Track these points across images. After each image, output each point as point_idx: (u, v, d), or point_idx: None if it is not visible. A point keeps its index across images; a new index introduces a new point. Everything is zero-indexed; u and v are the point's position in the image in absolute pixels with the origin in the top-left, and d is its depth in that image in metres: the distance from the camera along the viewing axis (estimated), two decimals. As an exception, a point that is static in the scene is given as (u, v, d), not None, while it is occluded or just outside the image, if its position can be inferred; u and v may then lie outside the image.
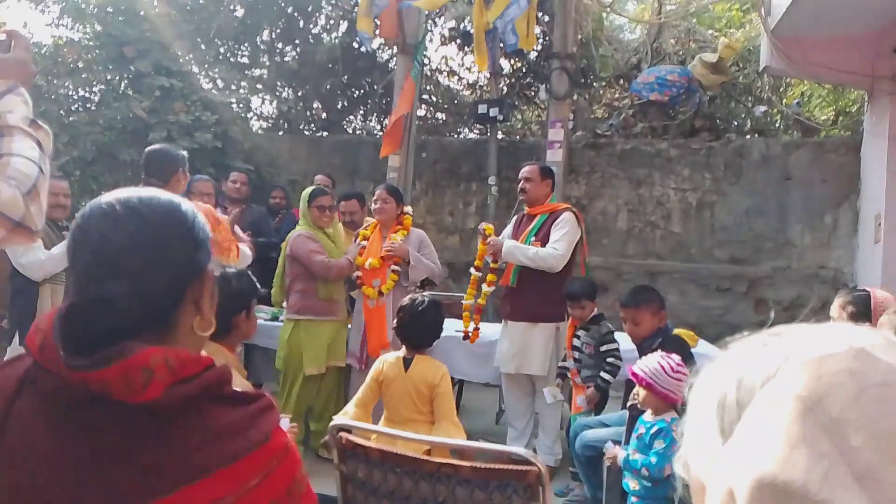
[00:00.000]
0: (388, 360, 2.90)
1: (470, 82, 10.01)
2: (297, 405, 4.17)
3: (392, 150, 6.93)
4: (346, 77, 9.31)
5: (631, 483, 2.62)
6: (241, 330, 2.24)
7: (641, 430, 2.64)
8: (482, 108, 7.21)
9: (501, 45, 7.06)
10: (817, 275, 6.66)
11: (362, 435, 2.16)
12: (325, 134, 9.41)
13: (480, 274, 4.23)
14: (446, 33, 9.38)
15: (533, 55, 8.96)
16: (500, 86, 8.39)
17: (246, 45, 9.50)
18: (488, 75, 8.08)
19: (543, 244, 3.98)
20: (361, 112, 10.17)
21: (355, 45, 9.13)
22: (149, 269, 0.92)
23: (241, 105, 8.58)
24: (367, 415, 2.81)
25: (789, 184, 6.87)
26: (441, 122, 9.95)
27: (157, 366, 0.85)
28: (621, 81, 9.09)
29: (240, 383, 1.96)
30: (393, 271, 4.16)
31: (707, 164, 7.09)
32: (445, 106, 9.97)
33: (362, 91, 9.79)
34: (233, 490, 0.86)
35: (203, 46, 8.61)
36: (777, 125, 8.43)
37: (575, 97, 7.96)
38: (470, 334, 4.17)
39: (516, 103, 9.22)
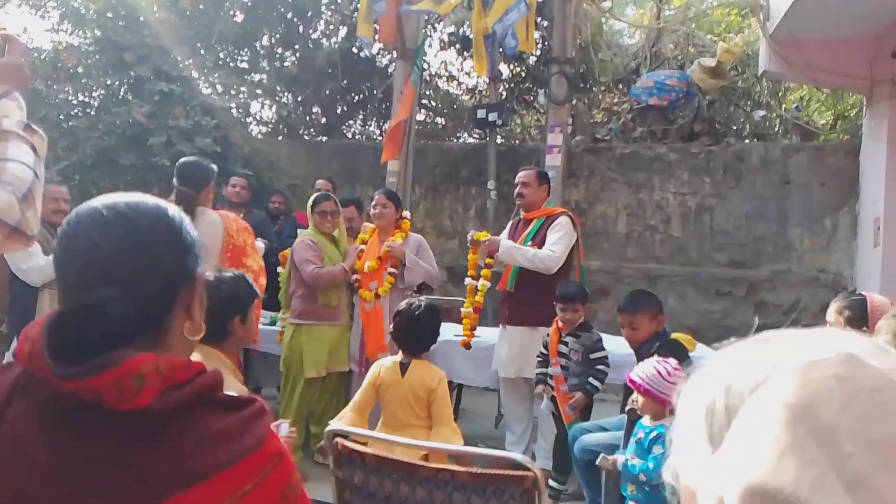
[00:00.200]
0: (385, 364, 2.89)
1: (469, 87, 10.02)
2: (298, 409, 4.17)
3: (393, 155, 6.94)
4: (345, 82, 9.32)
5: (629, 488, 2.62)
6: (237, 335, 2.22)
7: (640, 435, 2.63)
8: (481, 113, 7.22)
9: (501, 49, 7.08)
10: (817, 278, 6.66)
11: (359, 440, 2.15)
12: (324, 139, 9.42)
13: (476, 283, 4.22)
14: (445, 38, 9.39)
15: (532, 60, 8.97)
16: (500, 90, 8.40)
17: (245, 50, 9.51)
18: (487, 80, 8.08)
19: (540, 248, 3.98)
20: (361, 117, 10.18)
21: (355, 49, 9.14)
22: (139, 274, 0.92)
23: (240, 110, 8.59)
24: (363, 420, 2.80)
25: (788, 188, 6.87)
26: (440, 126, 9.96)
27: (149, 372, 0.85)
28: (620, 86, 9.10)
29: (236, 388, 1.96)
30: (390, 273, 4.17)
31: (706, 169, 7.09)
32: (445, 111, 9.98)
33: (362, 96, 9.80)
34: (227, 495, 0.86)
35: (203, 51, 8.63)
36: (776, 129, 8.44)
37: (574, 102, 7.97)
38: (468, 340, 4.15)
39: (515, 108, 9.23)
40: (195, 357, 1.03)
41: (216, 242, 3.54)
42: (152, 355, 0.87)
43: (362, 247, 4.32)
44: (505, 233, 4.37)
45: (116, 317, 0.89)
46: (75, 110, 7.33)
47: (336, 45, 9.12)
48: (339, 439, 2.04)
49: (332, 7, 9.31)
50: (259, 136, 9.44)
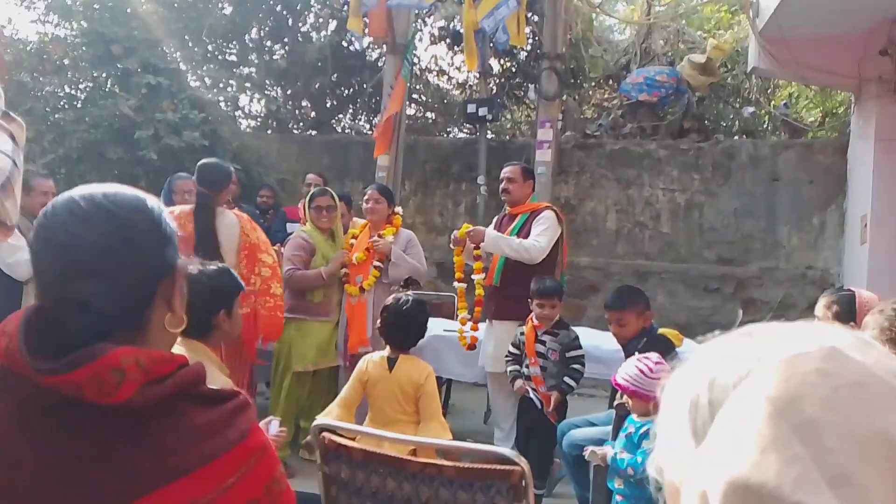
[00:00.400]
0: (373, 359, 2.89)
1: (459, 82, 10.02)
2: (286, 403, 4.17)
3: (383, 149, 6.92)
4: (335, 76, 9.29)
5: (616, 482, 2.63)
6: (223, 329, 2.20)
7: (630, 430, 2.64)
8: (472, 108, 7.21)
9: (492, 44, 7.06)
10: (805, 275, 6.70)
11: (346, 435, 2.14)
12: (314, 133, 9.38)
13: (465, 284, 4.17)
14: (436, 33, 9.37)
15: (522, 55, 8.97)
16: (490, 86, 8.40)
17: (234, 43, 9.45)
18: (478, 75, 8.09)
19: None
20: (351, 111, 10.15)
21: (344, 43, 9.11)
22: (119, 266, 0.90)
23: (229, 104, 8.54)
24: (349, 415, 2.79)
25: (777, 185, 6.91)
26: (430, 121, 9.95)
27: (129, 366, 0.84)
28: (611, 82, 9.12)
29: (221, 381, 1.94)
30: (375, 267, 4.16)
31: (696, 165, 7.12)
32: (435, 105, 9.96)
33: (351, 90, 9.77)
34: (210, 490, 0.85)
35: (191, 44, 8.57)
36: (765, 126, 8.48)
37: (564, 97, 7.98)
38: (468, 340, 4.10)
39: (506, 103, 9.23)
40: (180, 351, 1.01)
41: (234, 241, 3.68)
42: (132, 349, 0.86)
43: (346, 252, 4.29)
44: (490, 227, 4.37)
45: (96, 310, 0.87)
46: (62, 103, 7.26)
47: (326, 39, 9.07)
48: (326, 434, 2.04)
49: (322, 1, 9.27)
50: (248, 130, 9.39)
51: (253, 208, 6.00)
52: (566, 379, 3.58)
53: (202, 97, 7.16)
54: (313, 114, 9.82)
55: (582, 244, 7.34)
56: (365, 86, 9.38)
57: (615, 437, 2.78)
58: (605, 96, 9.27)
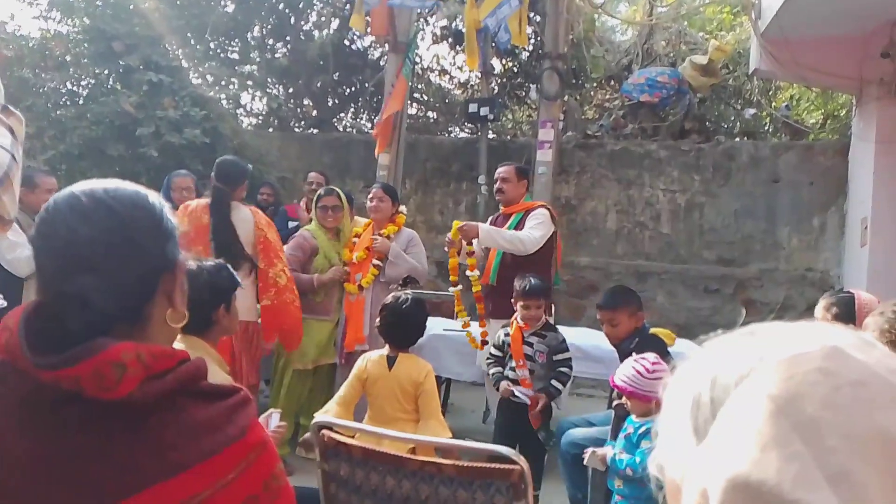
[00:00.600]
0: (372, 358, 2.88)
1: (461, 81, 10.02)
2: (286, 401, 4.17)
3: (384, 147, 6.92)
4: (337, 74, 9.29)
5: (616, 482, 2.63)
6: (222, 324, 2.21)
7: (630, 430, 2.64)
8: (473, 108, 7.22)
9: (493, 44, 7.06)
10: (804, 277, 6.70)
11: (345, 433, 2.15)
12: (315, 131, 9.38)
13: (461, 287, 4.13)
14: (438, 32, 9.38)
15: (524, 55, 8.97)
16: (492, 85, 8.41)
17: (236, 41, 9.45)
18: (479, 75, 8.09)
19: None
20: (352, 110, 10.15)
21: (346, 42, 9.11)
22: (119, 261, 0.90)
23: (230, 101, 8.53)
24: (348, 413, 2.79)
25: (777, 186, 6.91)
26: (432, 120, 9.95)
27: (130, 361, 0.84)
28: (612, 82, 9.12)
29: (220, 378, 1.94)
30: (374, 266, 4.17)
31: (696, 166, 7.12)
32: (436, 105, 9.96)
33: (353, 89, 9.77)
34: (210, 485, 0.86)
35: (193, 42, 8.57)
36: (766, 128, 8.48)
37: (566, 98, 7.98)
38: (478, 340, 4.04)
39: (507, 103, 9.24)
40: (179, 347, 1.01)
41: (249, 235, 3.81)
42: (133, 344, 0.86)
43: (345, 271, 4.27)
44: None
45: (96, 305, 0.87)
46: (63, 99, 7.25)
47: (328, 38, 9.07)
48: (325, 432, 2.04)
49: (324, -1, 9.28)
50: (249, 128, 9.38)
51: (253, 206, 5.99)
52: (553, 382, 3.46)
53: (203, 94, 7.15)
54: (315, 112, 9.82)
55: (582, 244, 7.34)
56: (366, 84, 9.38)
57: (614, 436, 2.78)
58: (607, 97, 9.27)
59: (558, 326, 4.62)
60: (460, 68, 9.77)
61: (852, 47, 5.53)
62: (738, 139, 7.92)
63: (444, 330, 4.40)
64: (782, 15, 5.18)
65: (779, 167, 6.92)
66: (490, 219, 4.41)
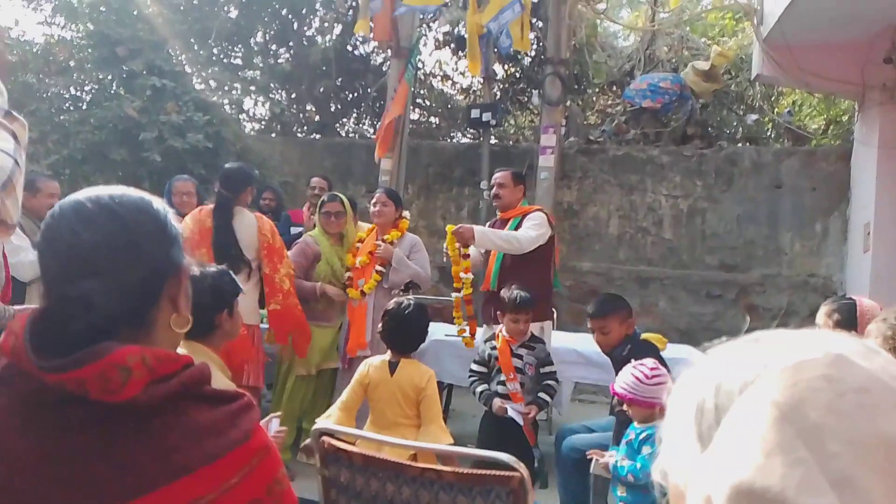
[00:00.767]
0: (374, 363, 2.89)
1: (463, 87, 10.04)
2: (289, 406, 4.18)
3: (384, 152, 6.93)
4: (339, 80, 9.31)
5: (619, 489, 2.62)
6: (224, 329, 2.22)
7: (631, 437, 2.64)
8: (475, 113, 7.22)
9: (496, 49, 7.07)
10: (807, 282, 6.70)
11: (346, 439, 2.14)
12: (317, 136, 9.40)
13: (460, 294, 4.08)
14: (440, 37, 9.40)
15: (526, 61, 8.99)
16: (494, 90, 8.41)
17: (239, 46, 9.48)
18: (482, 80, 8.10)
19: None
20: (354, 115, 10.17)
21: (349, 47, 9.13)
22: (124, 266, 0.91)
23: (233, 106, 8.55)
24: (350, 418, 2.79)
25: (780, 192, 6.90)
26: (434, 126, 9.96)
27: (135, 364, 0.85)
28: (614, 88, 9.13)
29: (223, 383, 1.94)
30: (377, 271, 4.17)
31: (698, 172, 7.12)
32: (439, 110, 9.98)
33: (356, 94, 9.79)
34: (213, 489, 0.86)
35: (196, 47, 8.59)
36: (768, 133, 8.48)
37: (568, 103, 7.99)
38: (465, 336, 4.03)
39: (509, 108, 9.25)
40: (181, 352, 1.02)
41: (252, 239, 3.86)
42: (138, 347, 0.87)
43: (349, 300, 4.26)
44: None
45: (101, 309, 0.88)
46: (67, 104, 7.27)
47: (330, 43, 9.10)
48: (325, 438, 2.04)
49: (327, 5, 9.30)
50: (252, 132, 9.40)
51: (255, 210, 6.01)
52: (541, 395, 3.41)
53: (206, 99, 7.18)
54: (317, 117, 9.83)
55: (584, 249, 7.34)
56: (369, 90, 9.40)
57: (617, 442, 2.77)
58: (609, 102, 9.28)
59: (561, 332, 4.62)
60: (463, 73, 9.80)
61: (854, 53, 5.53)
62: (740, 145, 7.91)
63: (446, 335, 4.40)
64: (784, 20, 5.19)
65: (781, 173, 6.92)
66: (488, 224, 4.41)
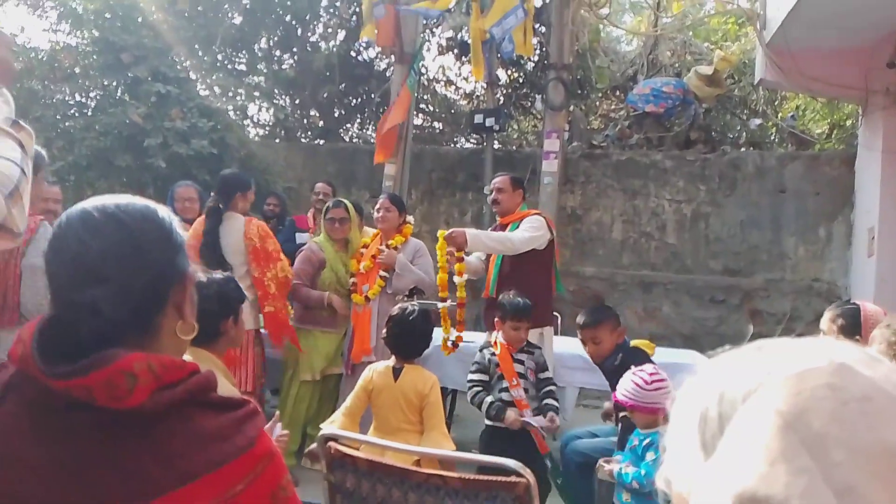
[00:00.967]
0: (378, 369, 2.89)
1: (467, 92, 10.06)
2: (294, 411, 4.18)
3: (384, 157, 6.94)
4: (343, 85, 9.33)
5: (624, 495, 2.62)
6: (229, 335, 2.23)
7: (635, 442, 2.63)
8: (478, 118, 7.24)
9: (499, 55, 7.08)
10: (811, 287, 6.68)
11: (351, 444, 2.15)
12: (321, 142, 9.42)
13: (450, 301, 3.98)
14: (444, 43, 9.43)
15: (529, 66, 9.00)
16: (497, 96, 8.42)
17: (244, 52, 9.51)
18: (485, 85, 8.11)
19: None
20: (358, 120, 10.19)
21: (353, 53, 9.16)
22: (130, 273, 0.92)
23: (238, 112, 8.58)
24: (354, 424, 2.79)
25: (783, 196, 6.89)
26: (437, 131, 9.98)
27: (141, 371, 0.85)
28: (617, 93, 9.14)
29: (227, 390, 1.95)
30: (381, 277, 4.17)
31: (702, 176, 7.12)
32: (442, 115, 10.00)
33: (359, 99, 9.81)
34: (218, 495, 0.86)
35: (201, 53, 8.62)
36: (772, 138, 8.48)
37: (571, 108, 7.99)
38: (450, 344, 3.90)
39: (512, 113, 9.26)
40: (187, 359, 1.02)
41: (237, 244, 3.89)
42: (144, 354, 0.87)
43: (353, 318, 4.25)
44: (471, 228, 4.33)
45: (106, 316, 0.89)
46: (72, 111, 7.30)
47: (334, 49, 9.13)
48: (331, 443, 2.04)
49: (331, 11, 9.33)
50: (256, 138, 9.43)
51: (259, 216, 6.02)
52: (550, 401, 3.30)
53: (211, 105, 7.19)
54: (321, 122, 9.86)
55: (587, 254, 7.33)
56: (372, 95, 9.42)
57: (621, 447, 2.77)
58: (612, 107, 9.28)
59: (565, 338, 4.60)
60: (466, 79, 9.82)
61: (858, 57, 5.53)
62: (743, 149, 7.91)
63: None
64: (788, 25, 5.19)
65: (785, 177, 6.91)
66: (489, 229, 4.40)
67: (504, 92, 9.18)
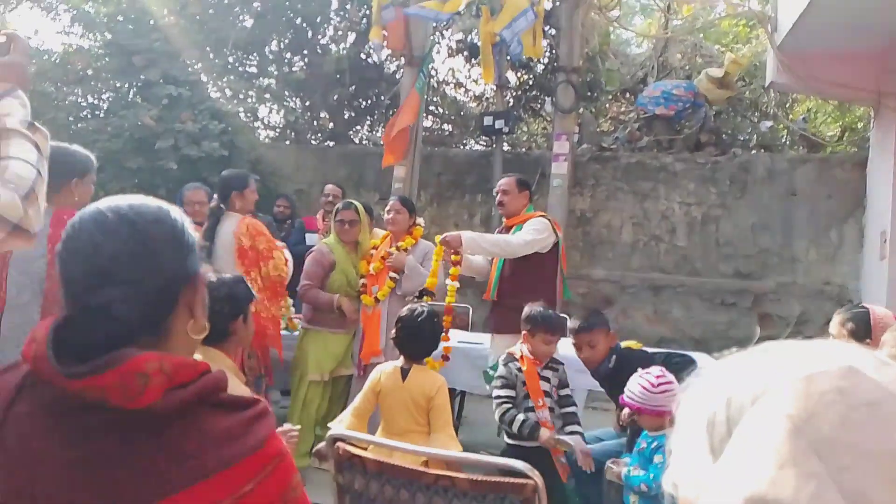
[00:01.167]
0: (386, 370, 2.90)
1: (476, 94, 10.06)
2: (304, 413, 4.19)
3: (393, 160, 6.95)
4: (353, 88, 9.36)
5: (631, 498, 2.61)
6: (239, 335, 2.25)
7: (643, 445, 2.63)
8: (488, 120, 7.24)
9: (508, 57, 7.09)
10: (822, 291, 6.64)
11: (359, 445, 2.15)
12: (331, 144, 9.45)
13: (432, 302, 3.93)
14: (453, 45, 9.44)
15: (539, 68, 9.00)
16: (507, 98, 8.43)
17: (254, 55, 9.56)
18: (495, 88, 8.12)
19: None
20: (368, 123, 10.22)
21: (363, 56, 9.18)
22: (142, 274, 0.93)
23: (248, 114, 8.62)
24: (362, 425, 2.80)
25: (795, 199, 6.86)
26: (447, 133, 9.99)
27: (153, 371, 0.86)
28: (627, 95, 9.12)
29: (239, 389, 1.96)
30: (391, 278, 4.18)
31: (712, 179, 7.09)
32: (452, 117, 10.01)
33: (369, 102, 9.84)
34: (228, 494, 0.87)
35: (212, 56, 8.67)
36: (783, 140, 8.44)
37: (581, 110, 7.98)
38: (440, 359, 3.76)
39: (522, 116, 9.26)
40: (197, 358, 1.03)
41: (227, 244, 3.84)
42: (156, 354, 0.88)
43: (360, 320, 4.24)
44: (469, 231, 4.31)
45: (119, 316, 0.90)
46: (84, 113, 7.37)
47: (344, 52, 9.16)
48: (340, 444, 2.04)
49: (341, 13, 9.36)
50: (266, 140, 9.47)
51: (270, 218, 6.04)
52: (574, 428, 3.10)
53: (222, 108, 7.24)
54: (331, 125, 9.89)
55: (597, 257, 7.32)
56: (382, 98, 9.44)
57: (630, 450, 2.77)
58: (622, 109, 9.27)
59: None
60: (475, 81, 9.83)
61: (869, 60, 5.50)
62: (754, 152, 7.87)
63: (459, 342, 4.39)
64: (798, 28, 5.17)
65: (796, 180, 6.87)
66: (496, 231, 4.39)
67: (513, 94, 9.18)
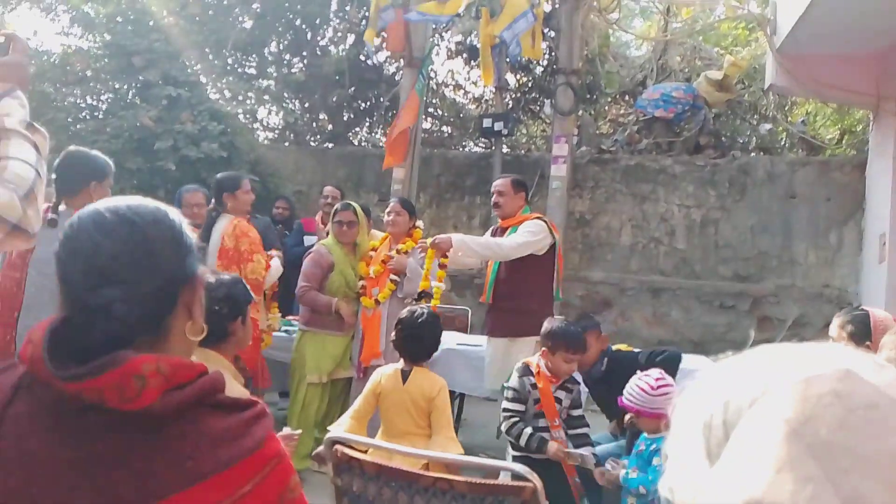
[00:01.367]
0: (386, 372, 2.89)
1: (476, 96, 10.07)
2: (304, 415, 4.18)
3: (393, 162, 6.96)
4: (352, 89, 9.36)
5: (629, 500, 2.61)
6: (237, 336, 2.24)
7: (642, 447, 2.63)
8: (487, 122, 7.24)
9: (508, 59, 7.09)
10: (821, 293, 6.64)
11: (358, 448, 2.15)
12: (330, 145, 9.45)
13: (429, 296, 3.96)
14: (453, 47, 9.44)
15: (538, 70, 9.01)
16: (506, 100, 8.44)
17: (254, 56, 9.57)
18: (494, 90, 8.12)
19: None
20: (367, 124, 10.23)
21: (362, 57, 9.19)
22: (141, 275, 0.93)
23: (247, 116, 8.62)
24: (361, 427, 2.80)
25: (794, 202, 6.86)
26: (446, 135, 9.99)
27: (150, 373, 0.86)
28: (627, 97, 9.13)
29: (236, 391, 1.96)
30: (392, 281, 4.18)
31: (712, 181, 7.09)
32: (451, 119, 10.01)
33: (368, 103, 9.84)
34: (226, 496, 0.87)
35: (211, 57, 8.68)
36: (782, 143, 8.44)
37: (580, 113, 7.99)
38: None
39: (521, 118, 9.26)
40: (195, 359, 1.03)
41: (215, 244, 3.85)
42: (153, 356, 0.88)
43: (357, 324, 4.25)
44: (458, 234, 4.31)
45: (118, 317, 0.90)
46: (83, 114, 7.36)
47: (344, 53, 9.17)
48: (338, 447, 2.04)
49: (341, 15, 9.37)
50: (266, 142, 9.47)
51: (269, 219, 6.03)
52: (587, 451, 2.91)
53: (221, 109, 7.23)
54: (330, 126, 9.89)
55: (596, 259, 7.32)
56: (382, 99, 9.45)
57: (629, 452, 2.77)
58: (621, 112, 9.27)
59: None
60: (475, 83, 9.83)
61: (869, 63, 5.51)
62: (753, 154, 7.88)
63: (458, 344, 4.39)
64: (798, 31, 5.18)
65: (795, 183, 6.87)
66: (489, 231, 4.37)
67: (513, 96, 9.18)
